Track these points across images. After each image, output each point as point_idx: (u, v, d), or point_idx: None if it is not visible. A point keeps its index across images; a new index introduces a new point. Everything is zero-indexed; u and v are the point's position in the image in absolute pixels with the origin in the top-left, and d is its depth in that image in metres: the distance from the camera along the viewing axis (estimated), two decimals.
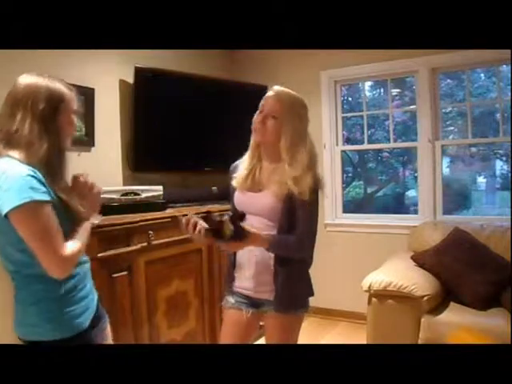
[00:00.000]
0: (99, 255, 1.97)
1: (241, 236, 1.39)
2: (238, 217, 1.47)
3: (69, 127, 1.28)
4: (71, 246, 1.18)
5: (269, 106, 1.52)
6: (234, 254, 1.61)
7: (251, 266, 1.54)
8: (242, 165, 1.63)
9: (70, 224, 1.23)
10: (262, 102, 1.56)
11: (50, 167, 1.20)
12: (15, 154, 1.16)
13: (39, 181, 1.15)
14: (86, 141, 2.58)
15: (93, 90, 2.59)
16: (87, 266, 1.37)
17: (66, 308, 1.23)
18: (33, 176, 1.13)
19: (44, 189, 1.15)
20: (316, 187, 1.50)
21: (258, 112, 1.56)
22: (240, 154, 1.68)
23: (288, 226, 1.50)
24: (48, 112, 1.20)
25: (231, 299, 1.65)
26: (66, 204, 1.22)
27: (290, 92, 1.56)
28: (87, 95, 2.56)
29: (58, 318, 1.22)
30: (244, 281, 1.59)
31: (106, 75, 2.72)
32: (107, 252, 2.01)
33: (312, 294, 1.67)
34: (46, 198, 1.14)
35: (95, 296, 1.38)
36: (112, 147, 2.77)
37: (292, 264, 1.55)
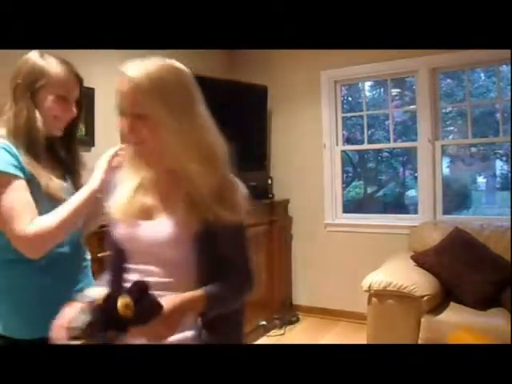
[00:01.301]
0: (99, 255, 1.97)
1: (155, 311, 0.86)
2: (141, 287, 0.87)
3: (47, 109, 1.18)
4: (39, 222, 1.08)
5: (127, 101, 0.96)
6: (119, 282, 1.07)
7: None
8: (118, 183, 1.11)
9: (52, 205, 1.14)
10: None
11: (21, 143, 1.14)
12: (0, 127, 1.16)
13: (11, 154, 1.10)
14: (86, 141, 2.58)
15: (93, 90, 2.59)
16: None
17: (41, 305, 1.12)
18: (3, 148, 1.10)
19: (15, 163, 1.10)
20: (245, 197, 1.03)
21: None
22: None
23: (209, 267, 0.99)
24: (22, 87, 1.16)
25: None
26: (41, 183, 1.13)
27: (150, 68, 0.97)
28: (87, 95, 2.55)
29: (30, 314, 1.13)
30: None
31: (106, 75, 2.72)
32: (107, 252, 2.01)
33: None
34: (11, 170, 1.09)
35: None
36: (112, 147, 2.77)
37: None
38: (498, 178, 4.87)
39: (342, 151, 3.68)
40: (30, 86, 1.16)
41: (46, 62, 1.19)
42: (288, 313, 3.57)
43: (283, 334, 3.30)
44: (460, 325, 2.17)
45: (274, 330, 3.34)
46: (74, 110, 1.25)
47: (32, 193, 1.11)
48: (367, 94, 4.29)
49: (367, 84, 4.10)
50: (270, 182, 3.59)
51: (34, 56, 1.20)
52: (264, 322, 3.27)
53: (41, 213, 1.11)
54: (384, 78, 3.53)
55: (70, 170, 1.29)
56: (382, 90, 4.40)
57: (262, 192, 3.49)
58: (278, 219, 3.48)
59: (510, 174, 3.44)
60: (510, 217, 2.77)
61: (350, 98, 4.36)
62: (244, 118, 3.48)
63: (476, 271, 2.44)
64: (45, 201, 1.14)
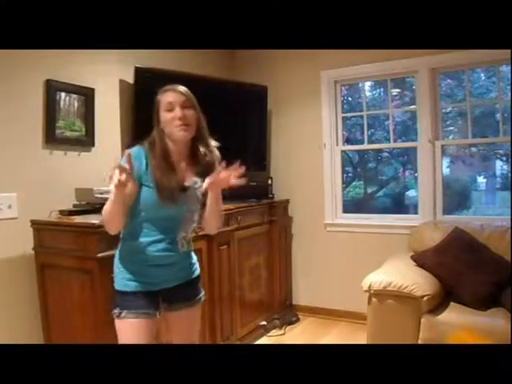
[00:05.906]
0: (99, 255, 1.97)
1: None
2: None
3: (165, 122, 1.51)
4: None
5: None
6: None
7: None
8: None
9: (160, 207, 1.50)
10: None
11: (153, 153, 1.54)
12: None
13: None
14: (86, 141, 2.58)
15: (93, 90, 2.59)
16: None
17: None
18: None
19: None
20: None
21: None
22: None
23: None
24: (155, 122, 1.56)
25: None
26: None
27: None
28: (87, 95, 2.56)
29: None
30: None
31: (105, 75, 2.72)
32: (107, 252, 2.00)
33: None
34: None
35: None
36: (112, 147, 2.77)
37: None
38: (498, 178, 4.87)
39: (342, 151, 3.68)
40: (156, 112, 1.54)
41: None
42: (288, 313, 3.57)
43: (283, 334, 3.30)
44: (460, 325, 2.17)
45: (274, 330, 3.34)
46: (186, 112, 1.49)
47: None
48: (367, 94, 4.29)
49: (367, 84, 4.09)
50: (270, 182, 3.59)
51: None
52: (264, 322, 3.27)
53: (149, 212, 1.52)
54: (384, 78, 3.52)
55: (203, 167, 1.57)
56: (381, 89, 4.40)
57: (262, 192, 3.49)
58: (277, 219, 3.48)
59: (510, 174, 3.44)
60: (510, 217, 2.77)
61: (350, 98, 4.36)
62: (244, 118, 3.48)
63: (476, 271, 2.44)
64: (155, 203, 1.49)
